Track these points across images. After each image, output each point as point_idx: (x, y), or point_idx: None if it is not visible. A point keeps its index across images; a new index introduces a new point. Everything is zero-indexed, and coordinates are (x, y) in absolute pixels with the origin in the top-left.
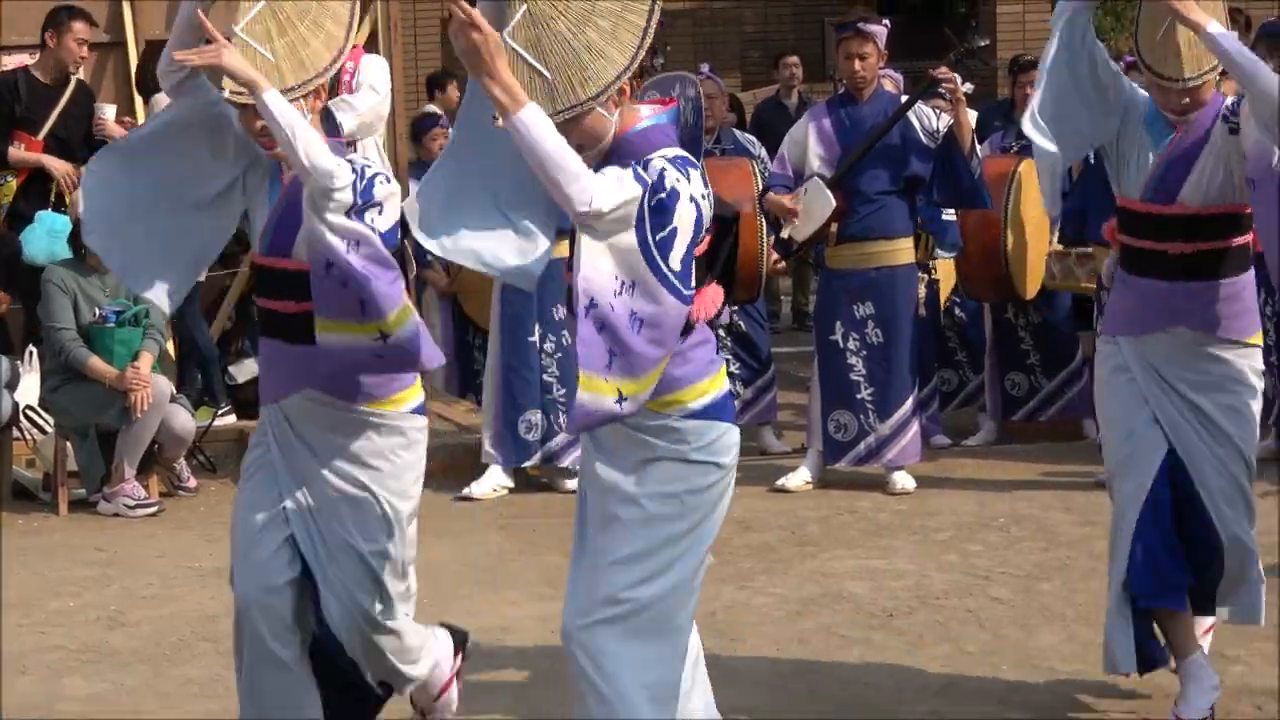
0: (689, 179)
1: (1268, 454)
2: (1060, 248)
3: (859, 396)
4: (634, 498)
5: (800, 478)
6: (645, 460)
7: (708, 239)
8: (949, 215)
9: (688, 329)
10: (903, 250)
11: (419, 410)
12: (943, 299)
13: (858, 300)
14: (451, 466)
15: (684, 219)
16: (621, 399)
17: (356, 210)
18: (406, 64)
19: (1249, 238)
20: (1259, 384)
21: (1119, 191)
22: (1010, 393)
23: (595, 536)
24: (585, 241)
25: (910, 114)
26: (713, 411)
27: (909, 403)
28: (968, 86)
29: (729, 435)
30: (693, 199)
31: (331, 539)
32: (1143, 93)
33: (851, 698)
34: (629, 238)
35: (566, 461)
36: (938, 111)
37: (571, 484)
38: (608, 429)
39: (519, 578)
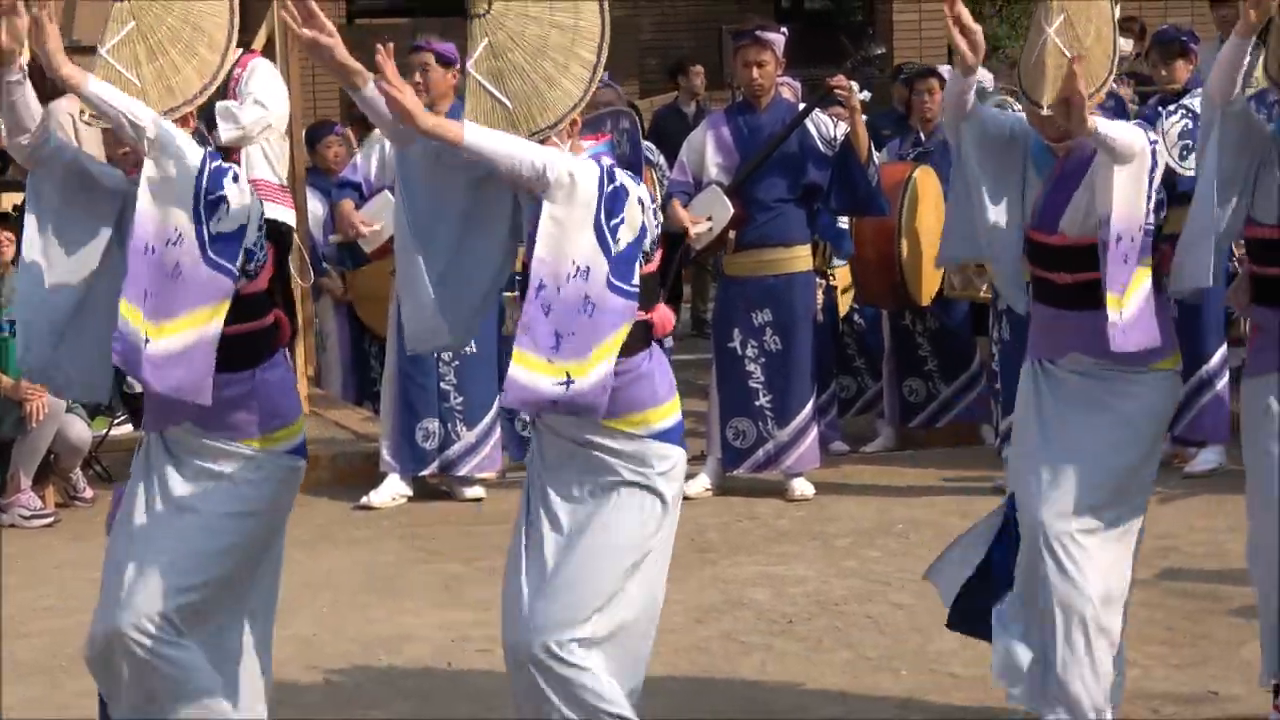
0: (637, 186)
1: (1164, 456)
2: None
3: (757, 403)
4: (604, 525)
5: (700, 485)
6: (609, 485)
7: (659, 256)
8: (844, 223)
9: (653, 341)
10: (800, 257)
11: None
12: (841, 306)
13: (756, 308)
14: (349, 475)
15: (632, 216)
16: (569, 381)
17: (204, 198)
18: (304, 71)
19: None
20: (1157, 413)
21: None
22: (908, 399)
23: (559, 558)
24: (545, 223)
25: (808, 122)
26: (675, 435)
27: (807, 409)
28: (864, 94)
29: (683, 461)
30: (640, 201)
31: None
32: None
33: (752, 704)
34: (587, 221)
35: (464, 470)
36: (835, 119)
37: (470, 491)
38: (566, 452)
39: (418, 586)
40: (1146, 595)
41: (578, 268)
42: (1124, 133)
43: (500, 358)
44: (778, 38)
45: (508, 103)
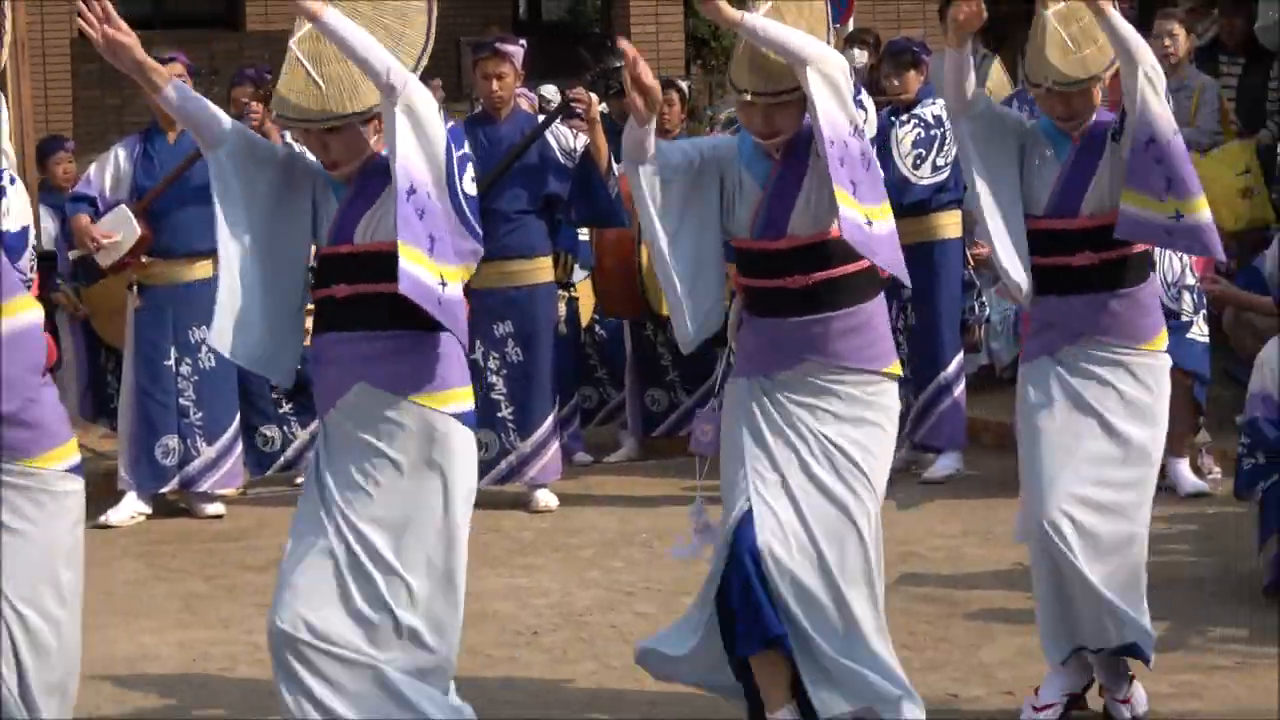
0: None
1: (902, 464)
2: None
3: (500, 415)
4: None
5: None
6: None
7: None
8: (584, 235)
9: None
10: (542, 269)
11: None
12: (583, 317)
13: (498, 319)
14: (87, 494)
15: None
16: (443, 283)
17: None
18: (35, 85)
19: (863, 264)
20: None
21: (729, 228)
22: (650, 409)
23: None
24: (402, 128)
25: (547, 133)
26: (470, 418)
27: (550, 420)
28: (603, 106)
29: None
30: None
31: None
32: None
33: (497, 716)
34: (439, 151)
35: (204, 486)
36: (575, 131)
37: (210, 508)
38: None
39: (158, 605)
40: (887, 600)
41: (436, 180)
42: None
43: (240, 372)
44: (517, 50)
45: (322, 85)
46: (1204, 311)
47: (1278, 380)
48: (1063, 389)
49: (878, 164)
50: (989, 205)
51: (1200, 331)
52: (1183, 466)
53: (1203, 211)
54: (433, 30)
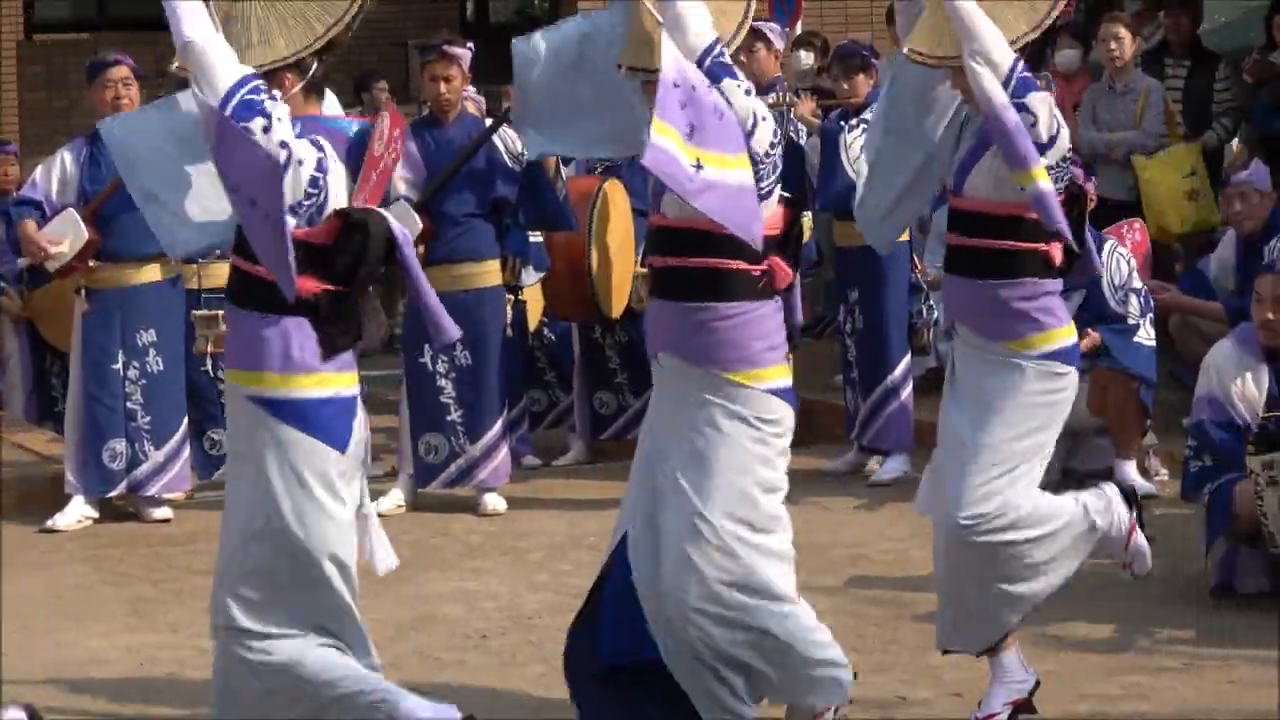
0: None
1: (850, 467)
2: (646, 270)
3: (449, 418)
4: None
5: (392, 501)
6: None
7: None
8: (536, 237)
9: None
10: (490, 272)
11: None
12: (531, 320)
13: None
14: (33, 498)
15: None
16: (699, 165)
17: None
18: None
19: (708, 260)
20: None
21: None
22: (599, 411)
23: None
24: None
25: (496, 137)
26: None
27: (498, 424)
28: None
29: None
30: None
31: None
32: None
33: None
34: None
35: (152, 490)
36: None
37: (158, 512)
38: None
39: (106, 609)
40: (836, 603)
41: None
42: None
43: (188, 375)
44: (464, 52)
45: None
46: (1150, 315)
47: (1224, 383)
48: (951, 370)
49: (735, 122)
50: (874, 144)
51: (1147, 335)
52: (1130, 468)
53: (1040, 181)
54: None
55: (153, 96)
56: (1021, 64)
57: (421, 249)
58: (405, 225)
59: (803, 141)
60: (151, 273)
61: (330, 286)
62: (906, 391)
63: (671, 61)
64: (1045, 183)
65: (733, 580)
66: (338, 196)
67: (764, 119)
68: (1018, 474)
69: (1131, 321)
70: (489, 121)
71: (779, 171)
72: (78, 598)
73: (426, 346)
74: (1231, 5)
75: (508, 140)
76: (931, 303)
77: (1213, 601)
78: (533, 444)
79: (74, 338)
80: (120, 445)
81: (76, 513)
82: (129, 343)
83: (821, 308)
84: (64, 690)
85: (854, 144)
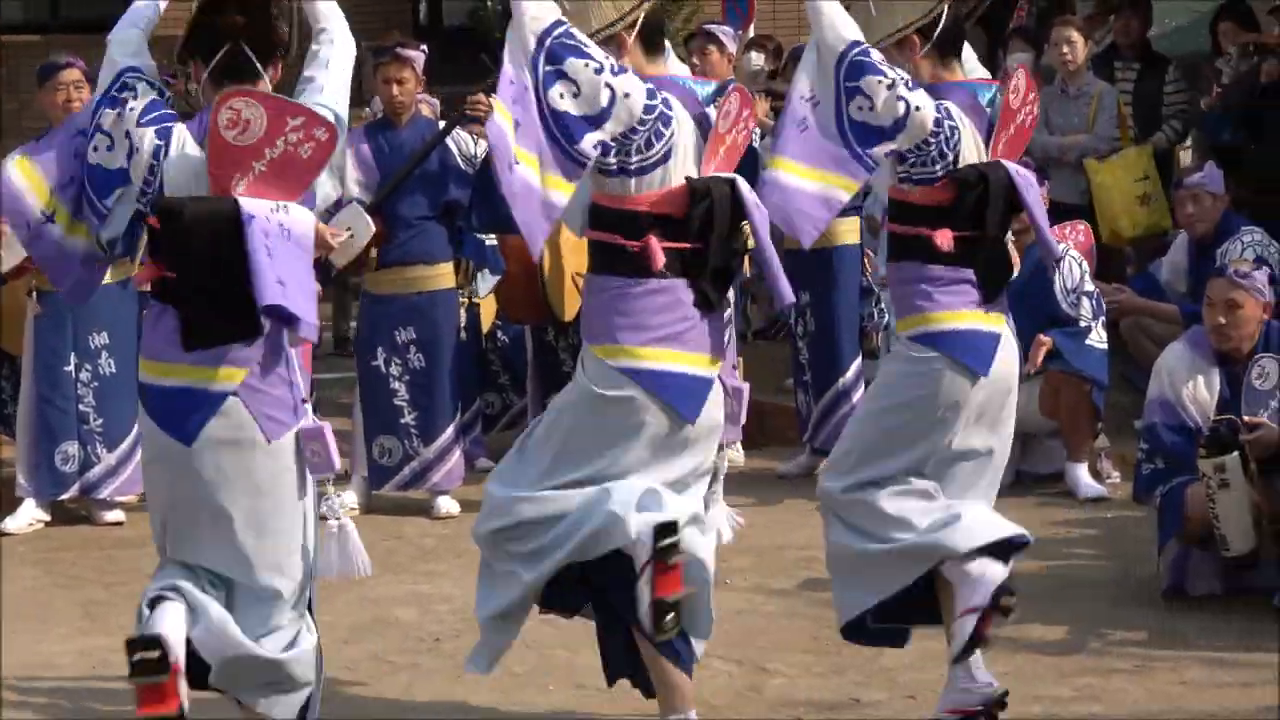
0: None
1: (803, 469)
2: None
3: (403, 421)
4: None
5: (345, 504)
6: None
7: None
8: (491, 240)
9: None
10: (443, 275)
11: None
12: (485, 323)
13: (399, 325)
14: None
15: None
16: (516, 162)
17: None
18: None
19: (596, 233)
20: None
21: None
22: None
23: None
24: None
25: (449, 140)
26: None
27: (452, 427)
28: None
29: None
30: None
31: None
32: None
33: None
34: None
35: (105, 493)
36: (476, 137)
37: (110, 515)
38: None
39: (59, 613)
40: (790, 605)
41: None
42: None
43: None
44: (418, 55)
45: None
46: (1102, 318)
47: (1175, 386)
48: None
49: (555, 126)
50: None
51: (1099, 338)
52: (1082, 471)
53: (776, 171)
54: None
55: None
56: (860, 49)
57: (374, 252)
58: (358, 227)
59: (756, 143)
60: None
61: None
62: (859, 394)
63: (508, 58)
64: (780, 173)
65: None
66: (686, 155)
67: (626, 95)
68: (869, 452)
69: (1083, 324)
70: (442, 124)
71: (666, 142)
72: (29, 601)
73: (379, 349)
74: (1182, 9)
75: (461, 143)
76: (883, 305)
77: (1165, 603)
78: (487, 447)
79: (25, 340)
80: (72, 448)
81: (28, 516)
82: (81, 345)
83: (774, 309)
84: (15, 694)
85: None
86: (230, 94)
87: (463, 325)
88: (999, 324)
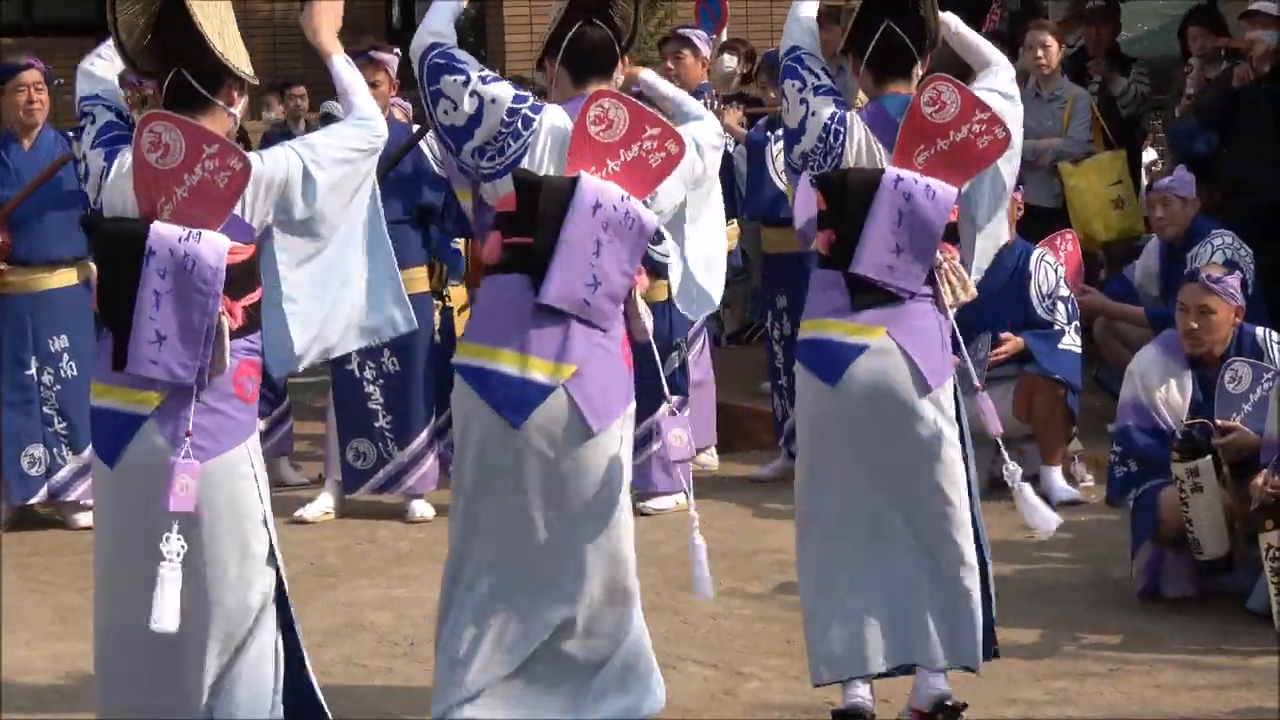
0: None
1: (779, 473)
2: None
3: (377, 425)
4: None
5: (319, 508)
6: None
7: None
8: (458, 244)
9: None
10: (417, 279)
11: None
12: (458, 328)
13: None
14: None
15: None
16: None
17: None
18: None
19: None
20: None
21: None
22: None
23: None
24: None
25: (423, 143)
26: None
27: (427, 431)
28: None
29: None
30: None
31: None
32: None
33: None
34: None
35: (74, 495)
36: None
37: (82, 519)
38: None
39: (31, 617)
40: (764, 609)
41: None
42: None
43: None
44: (391, 58)
45: None
46: (1076, 323)
47: (1148, 389)
48: None
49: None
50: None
51: (1073, 341)
52: (1055, 474)
53: None
54: None
55: (60, 102)
56: (792, 54)
57: None
58: None
59: (731, 149)
60: (65, 276)
61: None
62: None
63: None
64: None
65: None
66: (544, 159)
67: (493, 100)
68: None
69: (1058, 328)
70: (415, 128)
71: (523, 142)
72: (3, 605)
73: (354, 353)
74: (1152, 11)
75: (434, 147)
76: None
77: (1139, 606)
78: None
79: None
80: (39, 451)
81: None
82: (41, 348)
83: (749, 314)
84: None
85: (781, 153)
86: (151, 116)
87: (437, 329)
88: (870, 335)
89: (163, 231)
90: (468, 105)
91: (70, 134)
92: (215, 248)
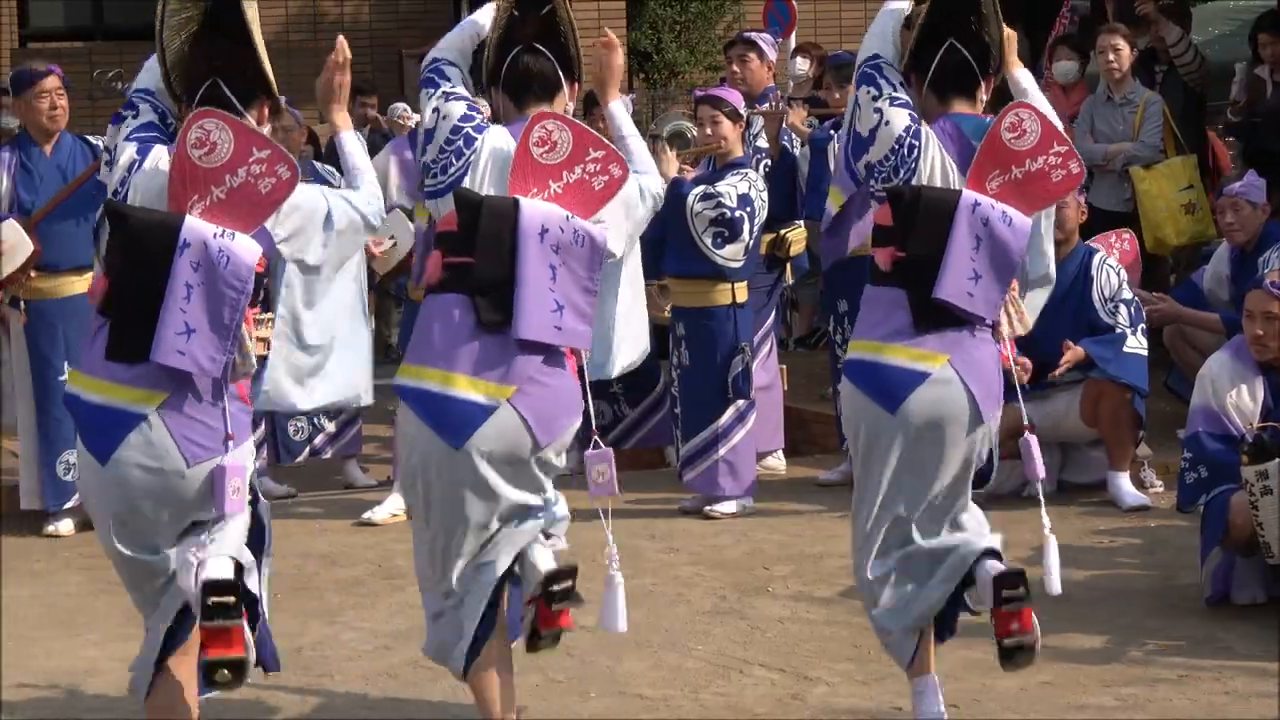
0: None
1: (844, 477)
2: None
3: None
4: None
5: (387, 510)
6: None
7: None
8: None
9: None
10: None
11: None
12: None
13: None
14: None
15: None
16: None
17: None
18: None
19: None
20: None
21: None
22: (597, 420)
23: None
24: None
25: None
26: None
27: None
28: None
29: None
30: None
31: None
32: None
33: None
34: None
35: None
36: None
37: None
38: None
39: (101, 618)
40: (831, 613)
41: None
42: None
43: None
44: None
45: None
46: (1141, 325)
47: (1219, 395)
48: None
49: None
50: None
51: (1138, 344)
52: (1124, 480)
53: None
54: None
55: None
56: (871, 61)
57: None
58: (400, 234)
59: (796, 151)
60: (90, 283)
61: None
62: None
63: None
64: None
65: None
66: (485, 178)
67: (444, 117)
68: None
69: (1119, 331)
70: None
71: (465, 161)
72: (72, 606)
73: None
74: (1221, 13)
75: None
76: None
77: (1208, 612)
78: None
79: (15, 352)
80: (72, 456)
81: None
82: (72, 353)
83: (817, 318)
84: (57, 699)
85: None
86: (202, 113)
87: None
88: (933, 363)
89: (197, 225)
90: (428, 119)
91: (90, 139)
92: (250, 249)
